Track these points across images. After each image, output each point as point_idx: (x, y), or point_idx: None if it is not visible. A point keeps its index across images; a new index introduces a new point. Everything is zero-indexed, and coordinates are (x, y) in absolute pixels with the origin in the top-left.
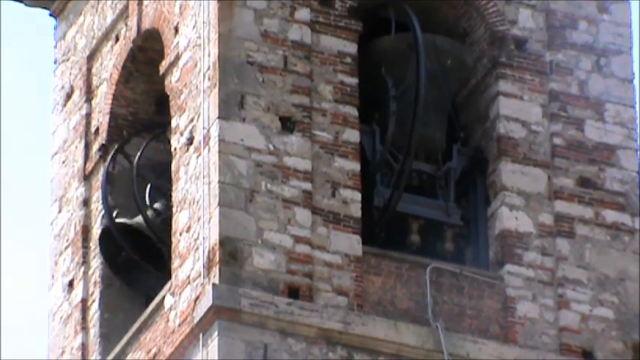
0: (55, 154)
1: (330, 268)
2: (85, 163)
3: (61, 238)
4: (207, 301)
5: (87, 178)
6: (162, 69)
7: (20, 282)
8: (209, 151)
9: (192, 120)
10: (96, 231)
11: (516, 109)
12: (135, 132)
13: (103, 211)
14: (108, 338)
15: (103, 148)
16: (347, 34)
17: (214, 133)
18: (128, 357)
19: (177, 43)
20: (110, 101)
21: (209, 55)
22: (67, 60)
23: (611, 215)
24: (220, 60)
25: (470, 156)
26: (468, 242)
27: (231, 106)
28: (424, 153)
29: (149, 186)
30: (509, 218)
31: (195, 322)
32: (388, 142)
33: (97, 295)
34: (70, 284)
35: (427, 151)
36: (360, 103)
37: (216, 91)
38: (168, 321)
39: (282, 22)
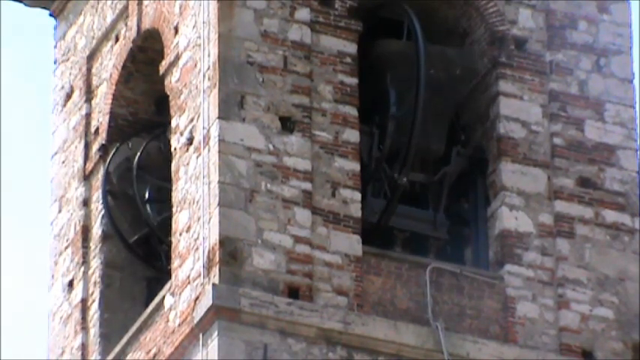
0: (55, 154)
1: (330, 268)
2: (85, 163)
3: (61, 238)
4: (207, 301)
5: (87, 178)
6: (162, 69)
7: (20, 282)
8: (209, 151)
9: (192, 120)
10: (96, 231)
11: (516, 109)
12: (135, 132)
13: (102, 211)
14: (108, 338)
15: (103, 148)
16: (347, 34)
17: (214, 133)
18: (128, 357)
19: (177, 43)
20: (110, 101)
21: (209, 55)
22: (67, 60)
23: (611, 215)
24: (220, 60)
25: (469, 156)
26: (459, 250)
27: (231, 106)
28: (419, 162)
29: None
30: (509, 218)
31: (195, 322)
32: (384, 156)
33: (97, 295)
34: (70, 284)
35: (423, 160)
36: (360, 101)
37: (216, 91)
38: (168, 321)
39: (282, 22)
